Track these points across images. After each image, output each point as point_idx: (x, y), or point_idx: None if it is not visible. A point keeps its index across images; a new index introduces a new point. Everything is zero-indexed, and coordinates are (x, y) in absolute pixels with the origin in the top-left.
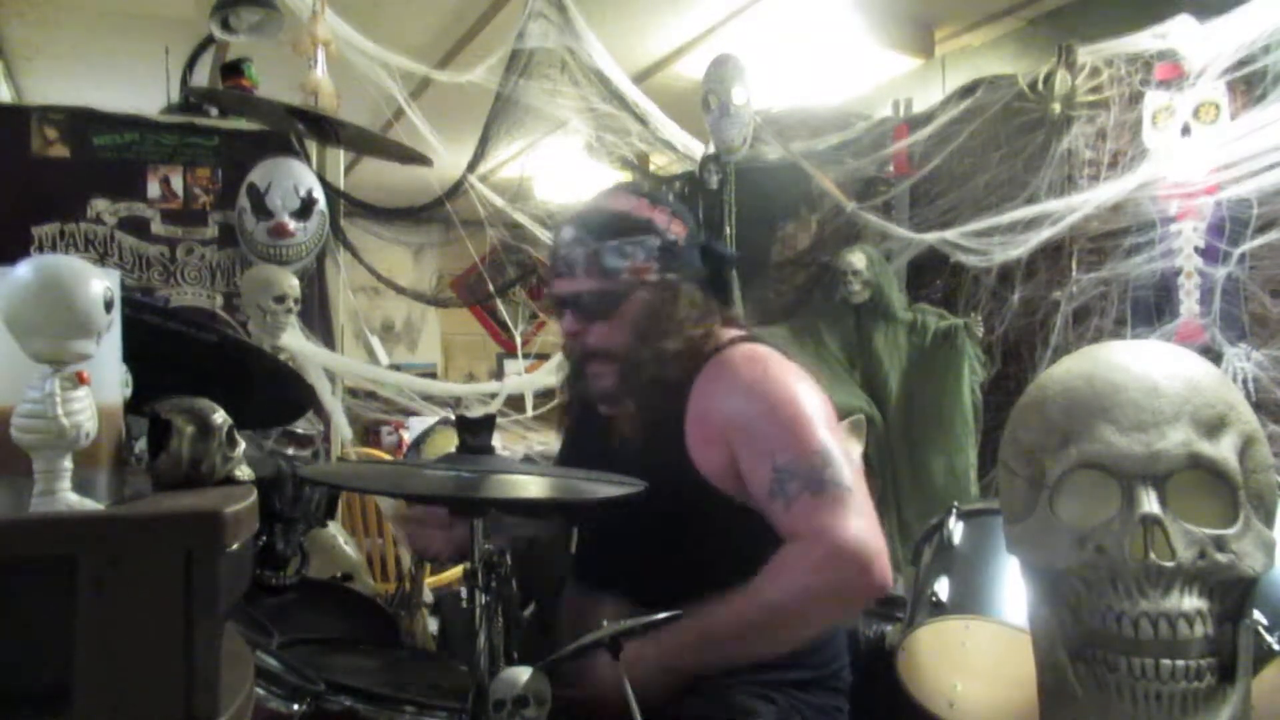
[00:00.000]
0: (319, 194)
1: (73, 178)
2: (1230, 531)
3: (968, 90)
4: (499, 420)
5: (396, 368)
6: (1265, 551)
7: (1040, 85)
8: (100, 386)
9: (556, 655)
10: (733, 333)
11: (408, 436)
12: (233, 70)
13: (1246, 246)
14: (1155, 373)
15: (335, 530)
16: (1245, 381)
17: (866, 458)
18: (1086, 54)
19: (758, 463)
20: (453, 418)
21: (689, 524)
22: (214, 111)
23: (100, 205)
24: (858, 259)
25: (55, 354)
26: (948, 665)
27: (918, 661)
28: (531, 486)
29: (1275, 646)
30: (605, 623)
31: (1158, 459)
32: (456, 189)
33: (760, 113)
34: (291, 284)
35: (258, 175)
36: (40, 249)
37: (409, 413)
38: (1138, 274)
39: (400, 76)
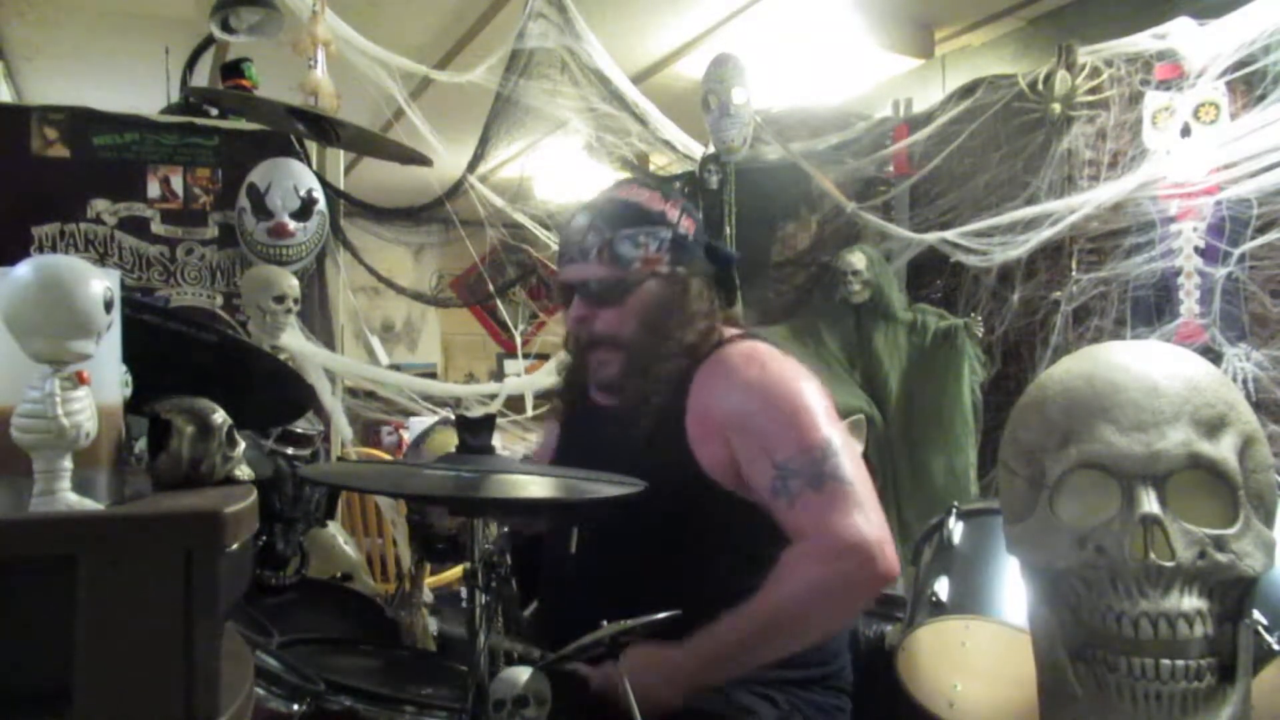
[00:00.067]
0: (319, 194)
1: (73, 178)
2: (1230, 531)
3: (968, 90)
4: (499, 420)
5: (396, 368)
6: (1265, 551)
7: (1040, 85)
8: (100, 386)
9: (557, 655)
10: (732, 331)
11: (408, 436)
12: (233, 70)
13: (1246, 246)
14: (1155, 373)
15: (335, 530)
16: (1245, 381)
17: (866, 458)
18: (1086, 54)
19: (758, 460)
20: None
21: (689, 518)
22: (214, 111)
23: (100, 205)
24: (858, 259)
25: (55, 354)
26: (948, 665)
27: (918, 661)
28: (531, 486)
29: (1275, 646)
30: (605, 623)
31: (1158, 459)
32: (456, 189)
33: (760, 113)
34: (291, 284)
35: (258, 175)
36: (40, 249)
37: (409, 413)
38: (1138, 274)
39: (400, 76)
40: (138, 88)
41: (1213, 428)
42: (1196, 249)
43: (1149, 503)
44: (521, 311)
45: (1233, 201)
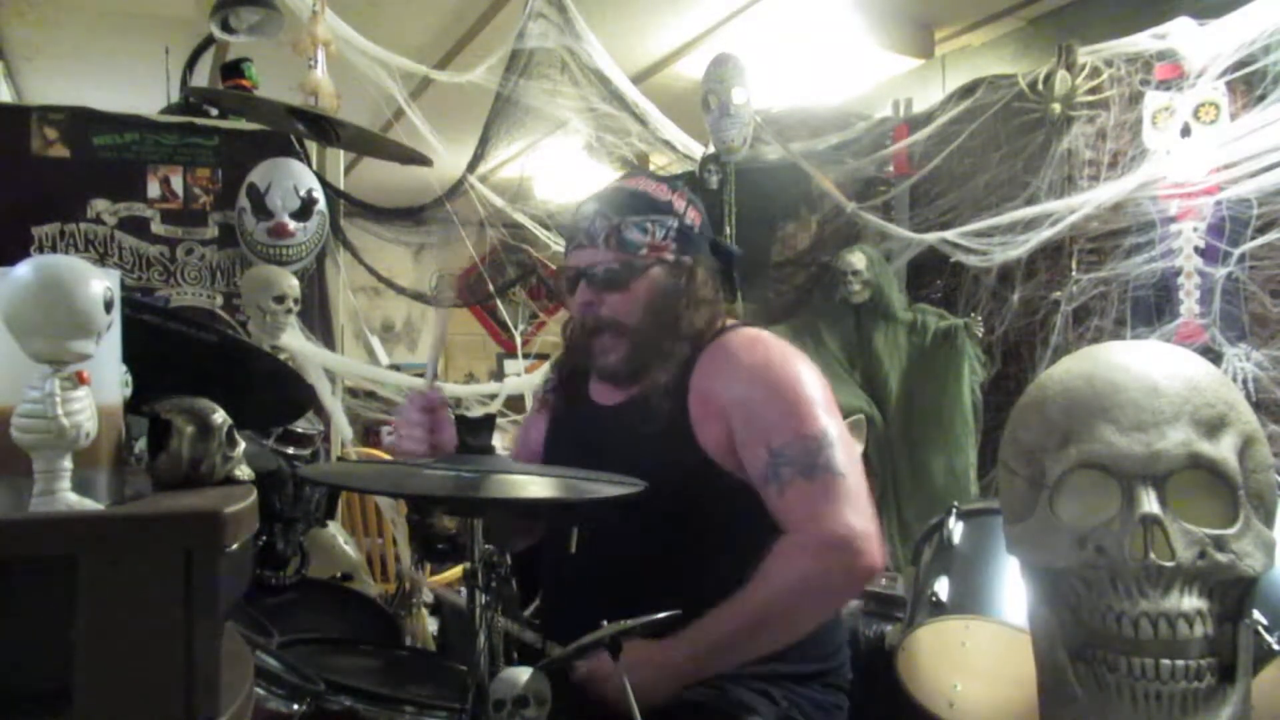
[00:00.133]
0: (319, 194)
1: (73, 178)
2: (1230, 531)
3: (968, 90)
4: (499, 420)
5: (396, 368)
6: (1265, 551)
7: (1040, 85)
8: (100, 386)
9: (557, 655)
10: (735, 322)
11: None
12: (233, 70)
13: (1246, 246)
14: (1155, 373)
15: (335, 530)
16: (1245, 381)
17: (866, 458)
18: (1086, 54)
19: (754, 445)
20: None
21: (692, 504)
22: (214, 111)
23: (100, 205)
24: (858, 259)
25: (55, 354)
26: (948, 665)
27: (918, 661)
28: (531, 486)
29: (1275, 646)
30: (605, 623)
31: (1158, 459)
32: (456, 189)
33: (760, 113)
34: (291, 284)
35: (258, 175)
36: (40, 249)
37: None
38: (1138, 274)
39: (400, 76)
40: (138, 88)
41: (1213, 428)
42: (1196, 249)
43: (1149, 503)
44: (521, 311)
45: (1233, 201)
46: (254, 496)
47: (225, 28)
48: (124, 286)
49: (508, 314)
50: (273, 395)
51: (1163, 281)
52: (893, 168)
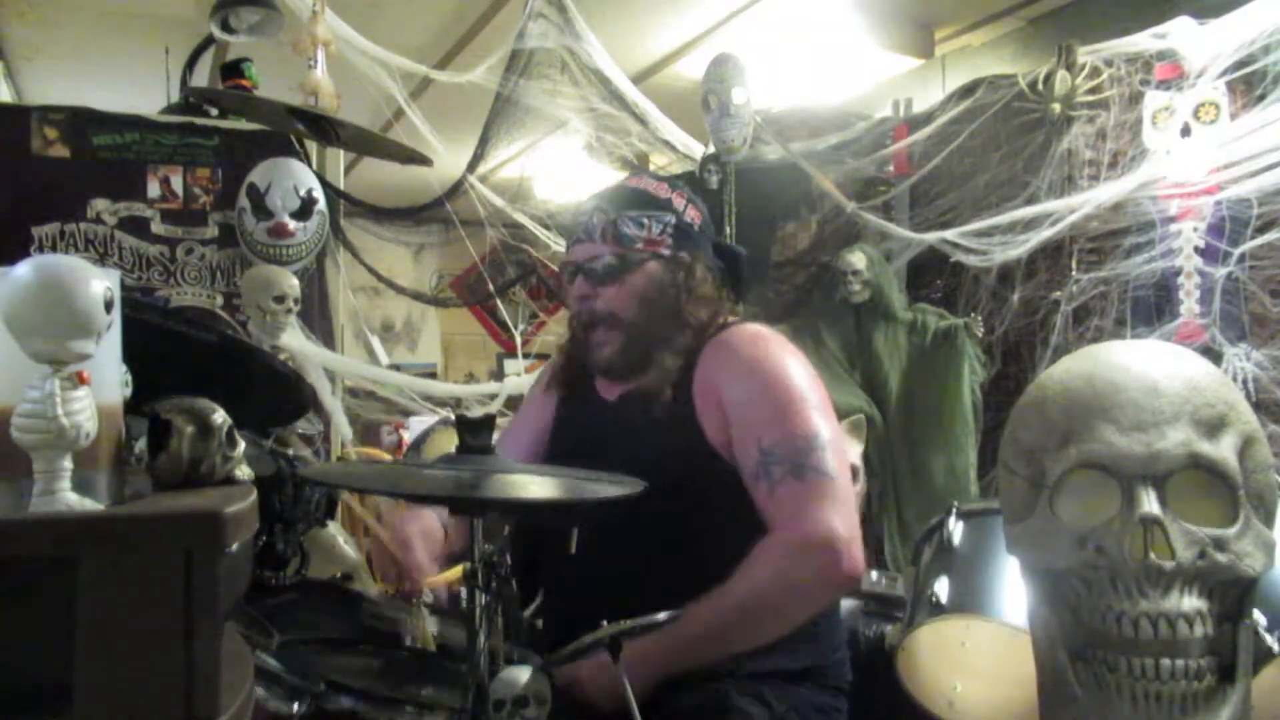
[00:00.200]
0: (319, 194)
1: (73, 178)
2: (1230, 531)
3: (968, 90)
4: (499, 420)
5: (396, 368)
6: (1265, 551)
7: (1040, 85)
8: (100, 386)
9: (557, 655)
10: (738, 318)
11: (408, 436)
12: (233, 70)
13: (1246, 246)
14: (1155, 373)
15: (335, 530)
16: (1245, 381)
17: (866, 458)
18: (1086, 54)
19: (747, 440)
20: (452, 418)
21: (696, 495)
22: (214, 111)
23: (100, 205)
24: (858, 259)
25: (55, 354)
26: (948, 665)
27: (917, 661)
28: (531, 486)
29: (1275, 647)
30: (605, 623)
31: (1158, 459)
32: (456, 189)
33: (760, 113)
34: (291, 284)
35: (258, 175)
36: (40, 249)
37: (409, 413)
38: (1138, 274)
39: (400, 76)
40: (138, 88)
41: (1213, 428)
42: (1196, 249)
43: (1149, 503)
44: (521, 311)
45: (1233, 201)
46: (254, 496)
47: (225, 28)
48: (124, 286)
49: (508, 314)
50: (273, 395)
51: (1163, 281)
52: (893, 168)
